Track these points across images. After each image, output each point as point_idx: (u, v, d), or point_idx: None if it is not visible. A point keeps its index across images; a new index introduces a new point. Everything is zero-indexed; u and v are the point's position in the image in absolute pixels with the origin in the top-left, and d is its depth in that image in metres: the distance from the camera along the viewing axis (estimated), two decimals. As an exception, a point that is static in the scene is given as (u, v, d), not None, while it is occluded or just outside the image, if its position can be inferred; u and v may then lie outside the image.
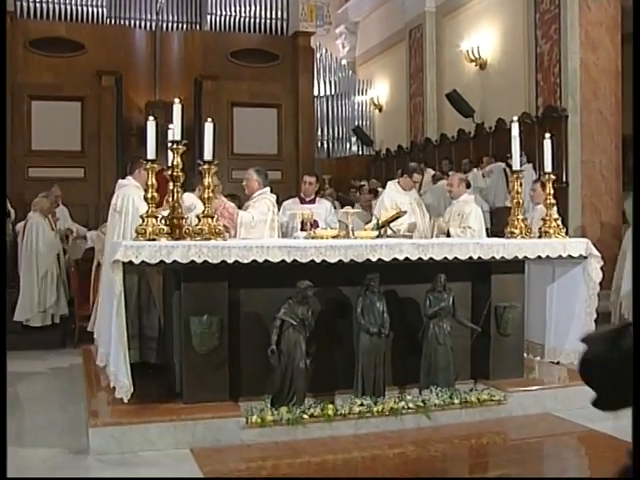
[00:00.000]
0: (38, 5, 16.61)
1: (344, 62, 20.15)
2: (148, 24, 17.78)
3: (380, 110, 19.10)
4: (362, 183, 14.25)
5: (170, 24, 18.04)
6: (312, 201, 8.12)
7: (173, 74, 17.36)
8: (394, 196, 7.89)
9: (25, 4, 16.53)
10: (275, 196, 7.31)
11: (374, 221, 6.59)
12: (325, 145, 19.56)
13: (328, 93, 19.60)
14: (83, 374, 6.52)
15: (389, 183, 8.30)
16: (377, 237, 6.14)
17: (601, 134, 11.33)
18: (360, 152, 19.52)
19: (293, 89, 17.96)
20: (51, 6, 16.68)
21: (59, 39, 16.27)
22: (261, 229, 6.77)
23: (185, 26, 18.20)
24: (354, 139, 19.50)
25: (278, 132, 18.03)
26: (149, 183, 5.02)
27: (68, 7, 16.81)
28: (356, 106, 19.57)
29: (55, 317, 9.33)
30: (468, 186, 11.36)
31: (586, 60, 11.31)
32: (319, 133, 19.28)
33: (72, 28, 16.57)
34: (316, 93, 18.90)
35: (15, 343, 8.62)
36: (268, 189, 7.11)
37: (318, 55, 19.10)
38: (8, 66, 15.78)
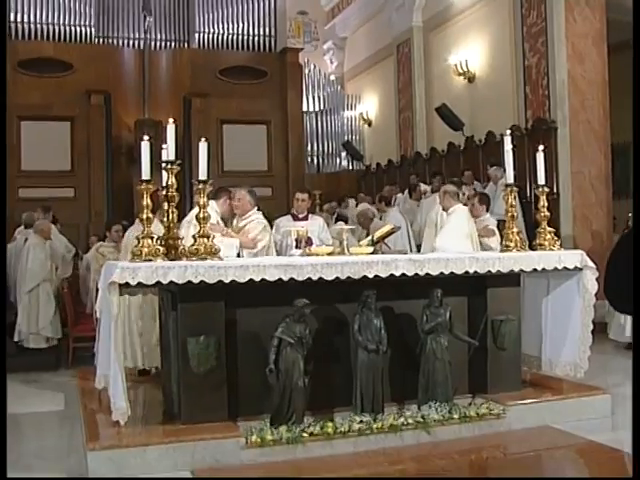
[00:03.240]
0: (26, 26, 16.60)
1: (332, 77, 20.18)
2: (136, 43, 17.78)
3: (369, 125, 19.13)
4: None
5: (158, 42, 18.02)
6: (305, 218, 8.08)
7: (162, 92, 17.36)
8: None
9: (13, 25, 16.51)
10: (261, 213, 7.36)
11: (369, 237, 6.59)
12: (315, 160, 19.54)
13: (317, 109, 19.61)
14: (78, 396, 6.47)
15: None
16: (372, 253, 6.14)
17: (590, 145, 11.38)
18: (350, 167, 19.51)
19: (282, 105, 17.98)
20: (39, 27, 16.67)
21: (47, 59, 16.25)
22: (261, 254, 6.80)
23: (173, 44, 18.20)
24: (344, 154, 19.50)
25: (268, 148, 18.04)
26: (144, 204, 5.01)
27: (56, 27, 16.80)
28: (345, 121, 19.57)
29: (51, 340, 9.25)
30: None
31: (573, 72, 11.36)
32: (309, 149, 19.26)
33: (60, 48, 16.56)
34: (305, 109, 18.91)
35: (9, 365, 8.58)
36: (255, 208, 7.17)
37: (306, 71, 19.12)
38: (-3, 87, 15.78)
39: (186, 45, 18.23)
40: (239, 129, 17.59)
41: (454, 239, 7.07)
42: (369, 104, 19.02)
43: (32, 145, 15.87)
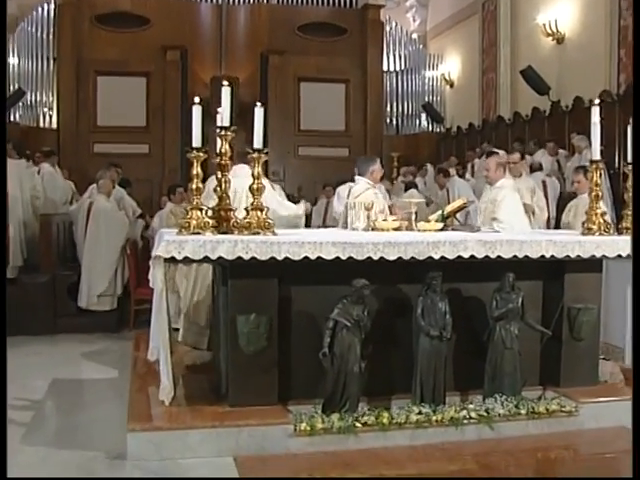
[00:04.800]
0: (104, -20, 16.52)
1: (414, 36, 19.45)
2: (214, -3, 17.53)
3: (451, 86, 18.43)
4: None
5: (237, -3, 17.73)
6: None
7: (239, 48, 17.16)
8: None
9: (92, -21, 16.46)
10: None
11: (439, 212, 6.15)
12: (394, 121, 18.99)
13: (397, 68, 18.97)
14: (132, 365, 6.29)
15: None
16: (442, 229, 5.72)
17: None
18: (430, 129, 18.88)
19: (361, 64, 17.59)
20: (117, -20, 16.57)
21: (124, 14, 16.19)
22: None
23: (252, -1, 17.88)
24: (424, 115, 18.87)
25: (346, 108, 17.76)
26: (194, 172, 4.70)
27: (134, -19, 16.67)
28: (426, 81, 18.90)
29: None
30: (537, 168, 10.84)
31: (675, 33, 10.53)
32: (388, 109, 18.76)
33: (137, 2, 16.48)
34: (385, 68, 18.42)
35: (68, 326, 8.53)
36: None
37: (388, 29, 18.52)
38: (75, 42, 15.78)
39: (264, 0, 17.86)
40: (317, 87, 17.32)
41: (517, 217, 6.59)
42: (451, 64, 18.30)
43: (108, 100, 15.93)
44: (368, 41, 17.62)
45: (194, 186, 4.68)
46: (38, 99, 16.26)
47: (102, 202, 9.23)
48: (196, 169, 4.69)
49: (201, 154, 4.71)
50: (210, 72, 16.66)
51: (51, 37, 16.24)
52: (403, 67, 18.99)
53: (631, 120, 5.64)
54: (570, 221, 7.25)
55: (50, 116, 16.37)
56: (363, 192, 6.48)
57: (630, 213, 5.50)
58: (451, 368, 5.19)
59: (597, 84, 11.37)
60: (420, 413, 4.86)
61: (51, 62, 16.31)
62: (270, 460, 4.55)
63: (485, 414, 4.95)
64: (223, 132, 4.99)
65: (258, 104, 4.82)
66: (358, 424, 4.72)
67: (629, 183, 5.52)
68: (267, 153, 4.84)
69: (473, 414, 4.93)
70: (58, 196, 11.08)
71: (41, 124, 16.34)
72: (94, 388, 6.45)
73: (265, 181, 6.33)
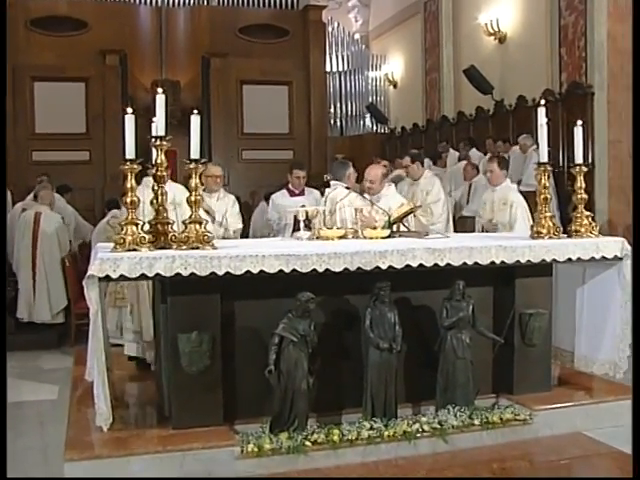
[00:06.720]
0: (38, -18, 16.01)
1: (357, 36, 19.36)
2: (153, 0, 17.15)
3: (395, 86, 18.37)
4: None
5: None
6: (301, 192, 7.77)
7: (180, 52, 16.83)
8: None
9: (25, -19, 15.94)
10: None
11: (385, 218, 5.97)
12: (338, 123, 18.87)
13: (340, 69, 18.85)
14: (71, 385, 6.00)
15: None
16: (388, 237, 5.56)
17: (629, 112, 10.60)
18: (375, 130, 18.79)
19: (304, 65, 17.39)
20: (52, -17, 16.09)
21: (61, 18, 15.72)
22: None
23: (192, 1, 17.53)
24: (368, 116, 18.79)
25: (289, 110, 17.52)
26: (128, 186, 4.45)
27: (69, -17, 16.21)
28: (370, 82, 18.81)
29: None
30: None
31: (614, 32, 10.52)
32: (332, 110, 18.61)
33: (74, 5, 15.98)
34: (328, 69, 18.25)
35: (7, 343, 8.17)
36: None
37: (330, 29, 18.37)
38: (9, 47, 15.26)
39: (205, 2, 17.57)
40: (259, 90, 17.06)
41: None
42: (395, 64, 18.24)
43: (46, 107, 15.41)
44: (310, 42, 17.41)
45: (128, 200, 4.43)
46: (-28, 107, 15.72)
47: (51, 214, 8.94)
48: (130, 182, 4.45)
49: (135, 166, 4.46)
50: (151, 76, 16.29)
51: (-17, 42, 15.70)
52: (346, 68, 18.89)
53: (579, 122, 5.59)
54: (490, 218, 7.02)
55: (-15, 124, 15.84)
56: (346, 196, 6.46)
57: (579, 216, 5.42)
58: (402, 380, 5.05)
59: (539, 83, 11.39)
60: (372, 428, 4.71)
61: (-16, 68, 15.77)
62: (216, 485, 4.35)
63: (438, 426, 4.82)
64: (158, 142, 4.75)
65: (195, 112, 4.60)
66: (308, 443, 4.55)
67: (577, 185, 5.44)
68: (205, 163, 4.62)
69: (426, 427, 4.80)
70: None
71: (-24, 133, 15.81)
72: (33, 411, 6.13)
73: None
